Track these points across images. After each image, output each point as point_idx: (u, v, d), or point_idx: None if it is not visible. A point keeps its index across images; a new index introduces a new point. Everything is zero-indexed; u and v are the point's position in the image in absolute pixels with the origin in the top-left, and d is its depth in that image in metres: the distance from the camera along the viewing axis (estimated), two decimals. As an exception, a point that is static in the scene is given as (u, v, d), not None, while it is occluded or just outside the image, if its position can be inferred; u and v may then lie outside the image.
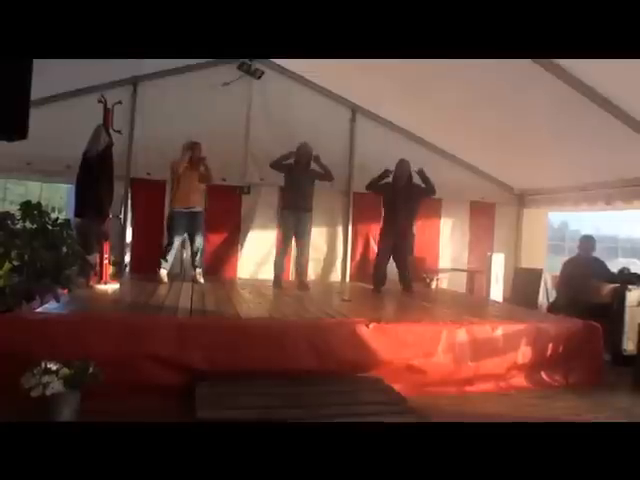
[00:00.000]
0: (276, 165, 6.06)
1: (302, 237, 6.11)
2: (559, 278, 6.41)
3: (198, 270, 5.99)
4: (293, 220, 6.04)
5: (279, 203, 7.05)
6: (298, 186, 6.01)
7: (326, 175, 6.14)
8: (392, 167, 6.17)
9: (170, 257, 5.87)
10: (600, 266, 5.95)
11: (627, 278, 5.51)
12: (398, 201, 6.12)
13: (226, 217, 6.99)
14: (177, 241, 5.91)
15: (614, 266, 6.06)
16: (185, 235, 5.98)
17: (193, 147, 5.84)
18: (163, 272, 5.83)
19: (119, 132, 5.45)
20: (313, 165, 6.09)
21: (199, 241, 6.00)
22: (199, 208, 5.95)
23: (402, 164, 6.16)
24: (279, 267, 6.19)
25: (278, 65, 6.92)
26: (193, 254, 6.06)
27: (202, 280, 5.89)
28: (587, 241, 6.21)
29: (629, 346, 4.91)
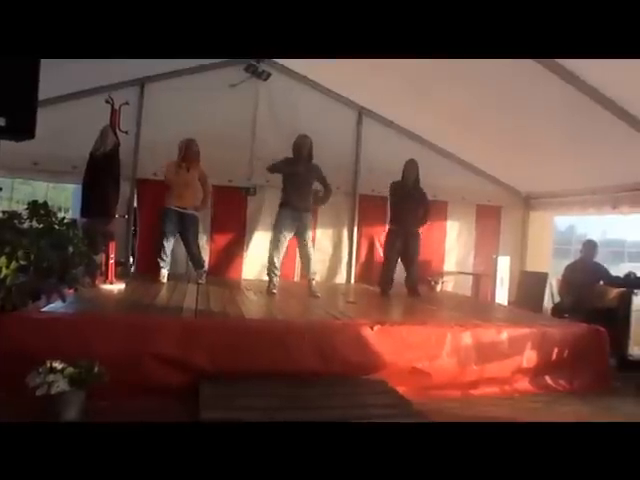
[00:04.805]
0: (274, 169, 5.64)
1: (304, 238, 5.59)
2: (561, 282, 6.46)
3: (198, 271, 5.99)
4: (292, 220, 5.50)
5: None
6: (298, 183, 5.51)
7: (326, 191, 5.76)
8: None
9: (165, 255, 5.78)
10: (601, 271, 6.01)
11: (633, 282, 5.49)
12: (406, 202, 6.05)
13: (232, 218, 7.00)
14: (169, 240, 5.79)
15: (620, 270, 6.05)
16: (177, 235, 5.88)
17: (184, 145, 5.75)
18: (163, 272, 5.80)
19: (126, 133, 5.47)
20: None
21: (192, 243, 5.93)
22: (191, 210, 5.81)
23: (411, 164, 6.09)
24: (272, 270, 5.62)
25: (285, 67, 6.92)
26: (188, 256, 6.07)
27: (202, 281, 5.86)
28: (590, 246, 6.27)
29: (635, 351, 4.89)
